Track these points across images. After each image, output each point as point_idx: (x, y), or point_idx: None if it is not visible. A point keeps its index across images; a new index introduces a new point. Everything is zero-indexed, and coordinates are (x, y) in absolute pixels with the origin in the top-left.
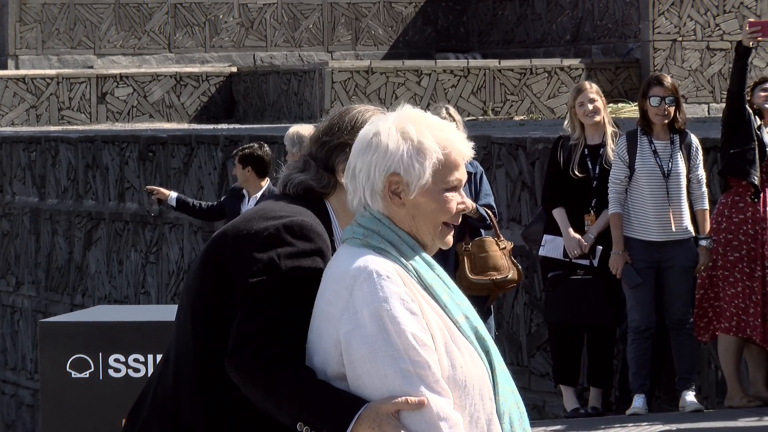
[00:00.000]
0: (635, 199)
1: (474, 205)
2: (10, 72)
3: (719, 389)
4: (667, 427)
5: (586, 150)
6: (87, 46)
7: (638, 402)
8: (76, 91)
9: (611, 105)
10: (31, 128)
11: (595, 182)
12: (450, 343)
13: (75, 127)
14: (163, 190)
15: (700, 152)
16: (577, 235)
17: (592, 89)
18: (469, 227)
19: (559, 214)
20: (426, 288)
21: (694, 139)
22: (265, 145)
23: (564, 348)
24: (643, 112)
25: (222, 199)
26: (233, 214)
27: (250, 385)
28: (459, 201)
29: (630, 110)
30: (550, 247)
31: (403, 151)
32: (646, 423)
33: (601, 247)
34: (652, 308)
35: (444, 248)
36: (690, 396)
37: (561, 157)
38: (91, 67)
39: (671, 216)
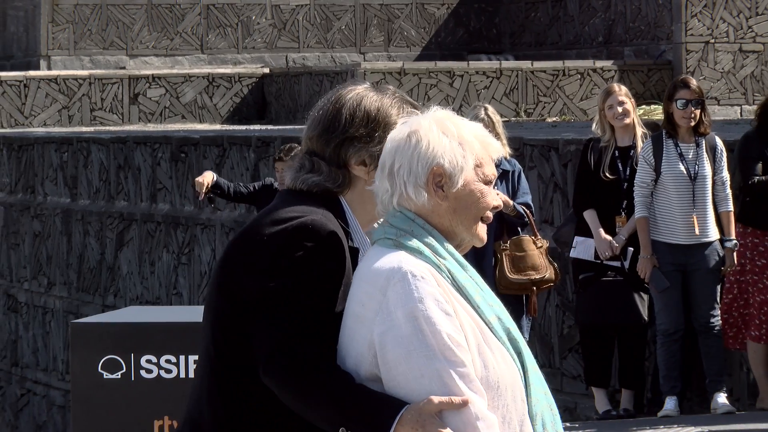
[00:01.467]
0: (661, 202)
1: (511, 202)
2: (43, 73)
3: (751, 391)
4: (698, 429)
5: (616, 152)
6: (119, 47)
7: (670, 404)
8: (108, 91)
9: (644, 107)
10: (63, 129)
11: (625, 184)
12: (483, 345)
13: (107, 128)
14: (203, 180)
15: (725, 154)
16: (608, 237)
17: (621, 91)
18: (507, 226)
19: (590, 216)
20: (458, 289)
21: (719, 142)
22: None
23: (595, 350)
24: (669, 115)
25: (254, 188)
26: None
27: (288, 393)
28: (494, 197)
29: (662, 112)
30: (581, 248)
31: (445, 144)
32: (677, 425)
33: (632, 249)
34: (680, 311)
35: (478, 245)
36: (721, 398)
37: (591, 159)
38: (124, 68)
39: (696, 219)
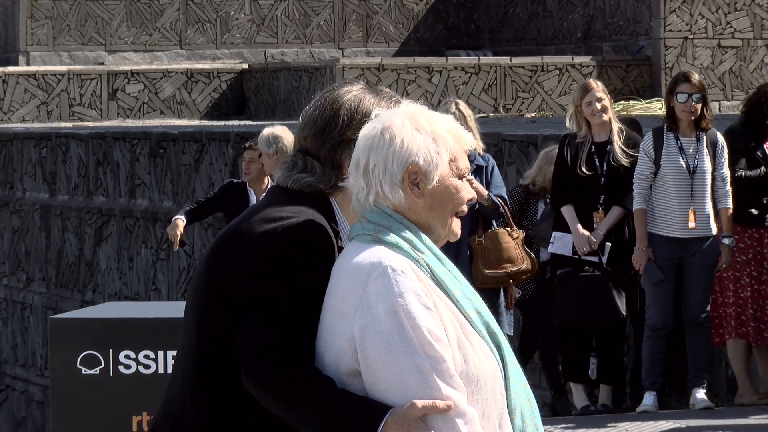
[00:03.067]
0: (660, 195)
1: (486, 192)
2: (21, 68)
3: (729, 387)
4: (677, 425)
5: (593, 147)
6: (98, 43)
7: (649, 399)
8: (86, 87)
9: (622, 102)
10: (41, 124)
11: (602, 179)
12: (462, 338)
13: (86, 123)
14: (177, 232)
15: (726, 150)
16: (586, 232)
17: (599, 88)
18: (483, 220)
19: (567, 212)
20: (438, 283)
21: (720, 137)
22: None
23: (573, 346)
24: (670, 108)
25: (217, 194)
26: (239, 214)
27: (270, 399)
28: (468, 190)
29: (641, 108)
30: (559, 244)
31: (420, 141)
32: (655, 420)
33: (609, 244)
34: (670, 307)
35: (453, 240)
36: (700, 393)
37: (568, 154)
38: (102, 64)
39: (693, 213)
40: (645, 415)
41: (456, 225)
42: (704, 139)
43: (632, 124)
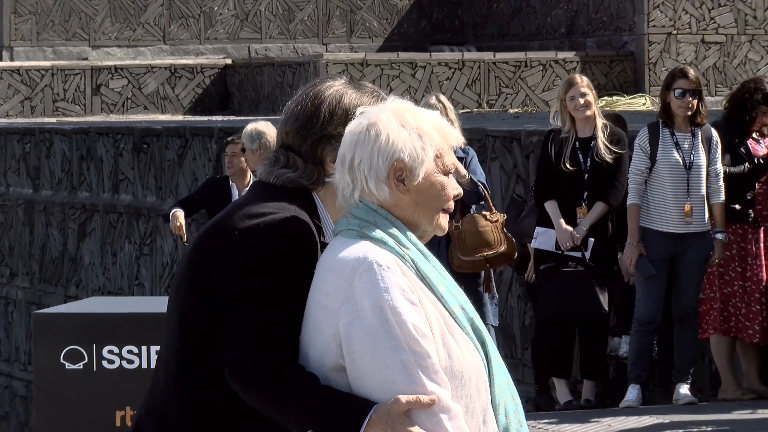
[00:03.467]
0: (655, 190)
1: (464, 170)
2: (5, 63)
3: (713, 382)
4: (660, 420)
5: (577, 143)
6: (82, 38)
7: (632, 393)
8: (70, 82)
9: (606, 98)
10: (25, 120)
11: (586, 175)
12: (447, 334)
13: (69, 118)
14: (179, 224)
15: (720, 146)
16: (570, 228)
17: (583, 83)
18: (462, 206)
19: (551, 207)
20: (423, 278)
21: (714, 133)
22: None
23: (556, 341)
24: (666, 104)
25: (196, 191)
26: (222, 209)
27: (255, 396)
28: (454, 186)
29: (625, 103)
30: (543, 239)
31: (405, 138)
32: (639, 416)
33: (593, 240)
34: (661, 303)
35: (441, 234)
36: (684, 389)
37: (552, 150)
38: (86, 59)
39: (688, 209)
40: (628, 411)
41: (443, 220)
42: (699, 135)
43: (617, 120)
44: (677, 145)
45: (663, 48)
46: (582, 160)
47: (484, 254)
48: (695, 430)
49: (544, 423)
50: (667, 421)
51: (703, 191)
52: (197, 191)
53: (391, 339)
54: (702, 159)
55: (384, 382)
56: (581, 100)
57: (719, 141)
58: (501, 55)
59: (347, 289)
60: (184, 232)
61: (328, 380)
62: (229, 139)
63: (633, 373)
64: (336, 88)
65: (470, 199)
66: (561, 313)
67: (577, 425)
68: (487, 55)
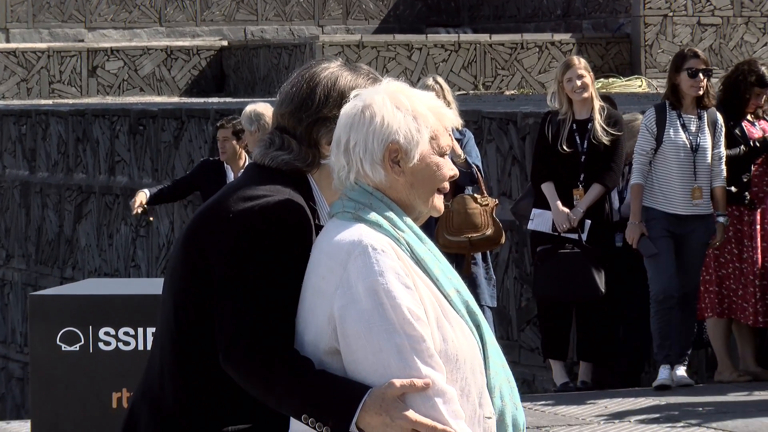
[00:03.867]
0: (661, 172)
1: (460, 149)
2: (1, 45)
3: (709, 365)
4: (656, 402)
5: (574, 125)
6: (78, 20)
7: (664, 373)
8: (66, 64)
9: (602, 80)
10: (21, 102)
11: (583, 157)
12: (441, 318)
13: (65, 100)
14: (136, 199)
15: (723, 130)
16: (566, 209)
17: (581, 65)
18: (454, 186)
19: (547, 189)
20: (417, 262)
21: (719, 117)
22: None
23: (552, 322)
24: (674, 85)
25: (193, 173)
26: (216, 191)
27: (249, 382)
28: (450, 167)
29: (620, 85)
30: (539, 221)
31: (400, 119)
32: (635, 398)
33: (589, 221)
34: (673, 277)
35: (436, 215)
36: (681, 371)
37: (549, 132)
38: (82, 41)
39: (699, 190)
40: (624, 392)
41: (438, 201)
42: (705, 118)
43: (606, 101)
44: (684, 127)
45: (659, 30)
46: (579, 141)
47: (469, 236)
48: (691, 411)
49: (540, 405)
50: (663, 403)
51: (709, 174)
52: (191, 172)
53: (386, 323)
54: (708, 142)
55: (378, 366)
56: (578, 82)
57: (723, 125)
58: (497, 37)
59: (342, 273)
60: (137, 207)
61: (323, 364)
62: (219, 123)
63: (661, 353)
64: (331, 70)
65: (463, 180)
66: (557, 295)
67: (573, 407)
68: (483, 37)
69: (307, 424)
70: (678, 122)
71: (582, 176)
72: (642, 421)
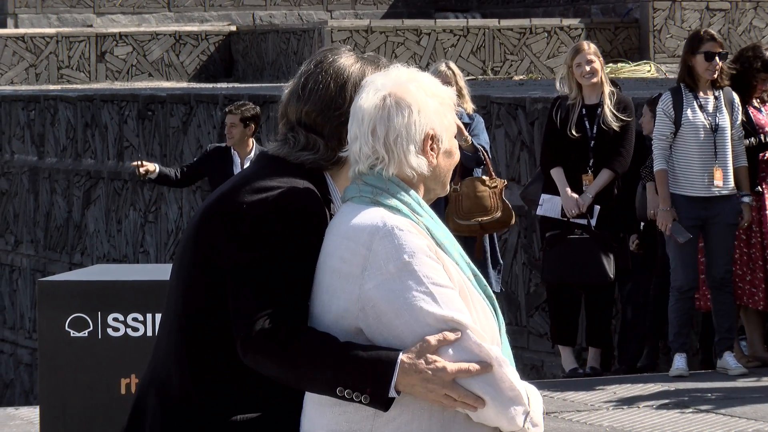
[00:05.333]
0: (681, 154)
1: (467, 133)
2: (9, 31)
3: (717, 350)
4: (665, 388)
5: (583, 110)
6: (86, 5)
7: (680, 362)
8: (75, 50)
9: (610, 65)
10: (30, 87)
11: (592, 142)
12: (467, 298)
13: (74, 86)
14: (148, 165)
15: (740, 109)
16: (575, 195)
17: (590, 50)
18: (462, 169)
19: (556, 174)
20: (438, 245)
21: (735, 96)
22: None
23: (562, 308)
24: (689, 67)
25: (201, 159)
26: (223, 177)
27: (274, 365)
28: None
29: (629, 70)
30: (548, 206)
31: (435, 106)
32: (644, 383)
33: (598, 207)
34: (696, 268)
35: (443, 195)
36: (730, 357)
37: (558, 117)
38: (91, 26)
39: (720, 171)
40: (633, 378)
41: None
42: (722, 97)
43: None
44: (702, 108)
45: (667, 15)
46: (588, 127)
47: (479, 219)
48: (700, 397)
49: (548, 391)
50: (672, 389)
51: (730, 153)
52: (199, 158)
53: (425, 298)
54: (726, 121)
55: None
56: (587, 68)
57: (739, 104)
58: (506, 22)
59: (366, 254)
60: (141, 171)
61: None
62: (227, 109)
63: (677, 342)
64: (356, 66)
65: (470, 162)
66: (566, 280)
67: (582, 393)
68: (492, 22)
69: (344, 397)
70: (695, 103)
71: (591, 161)
72: (651, 407)
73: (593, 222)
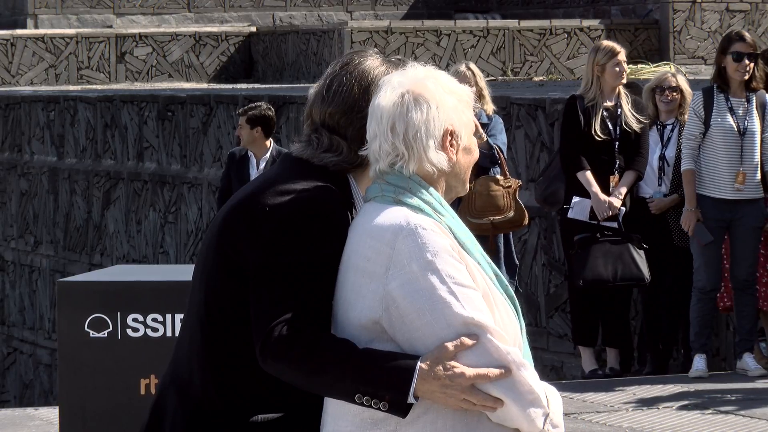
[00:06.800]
0: (708, 156)
1: (483, 133)
2: (29, 31)
3: (736, 351)
4: (685, 389)
5: (604, 111)
6: (106, 6)
7: (699, 363)
8: (95, 50)
9: (631, 66)
10: (50, 87)
11: (617, 143)
12: (489, 297)
13: (94, 86)
14: None
15: None
16: (607, 197)
17: (623, 51)
18: (477, 167)
19: (585, 177)
20: (460, 245)
21: None
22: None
23: (584, 309)
24: (721, 69)
25: (222, 172)
26: (242, 180)
27: (294, 372)
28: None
29: (649, 71)
30: (578, 209)
31: (453, 103)
32: (663, 384)
33: (624, 208)
34: (720, 269)
35: (463, 194)
36: (750, 358)
37: (581, 118)
38: (111, 27)
39: (742, 174)
40: (653, 379)
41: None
42: (754, 100)
43: (637, 89)
44: (732, 111)
45: (687, 16)
46: (611, 128)
47: (491, 218)
48: (720, 399)
49: (568, 392)
50: (692, 390)
51: (757, 158)
52: (224, 171)
53: (448, 298)
54: (756, 125)
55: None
56: (618, 69)
57: None
58: (526, 23)
59: (390, 253)
60: None
61: (369, 342)
62: (239, 111)
63: (697, 342)
64: (380, 69)
65: (483, 160)
66: (603, 278)
67: (601, 394)
68: (512, 23)
69: (362, 403)
70: (725, 105)
71: (617, 163)
72: (671, 408)
73: (621, 223)
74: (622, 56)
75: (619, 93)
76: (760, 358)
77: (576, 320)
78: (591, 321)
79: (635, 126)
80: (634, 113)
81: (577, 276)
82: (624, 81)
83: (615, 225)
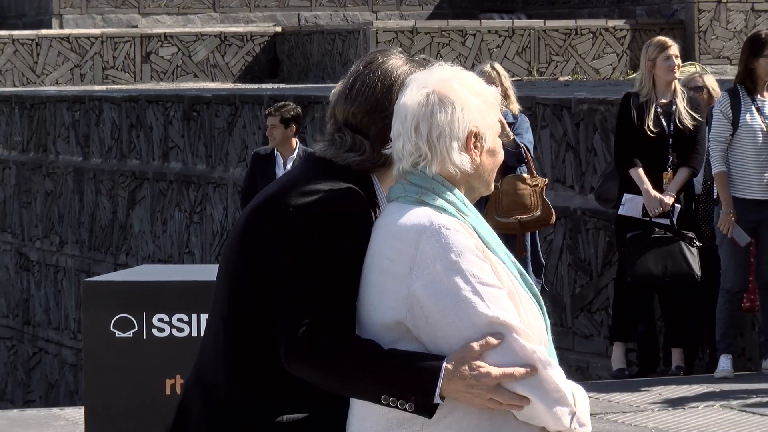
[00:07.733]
0: (737, 156)
1: (509, 129)
2: (55, 31)
3: (761, 352)
4: (711, 389)
5: (658, 108)
6: (131, 6)
7: (725, 363)
8: (120, 50)
9: None
10: (75, 87)
11: (670, 140)
12: (515, 297)
13: (119, 86)
14: None
15: None
16: (658, 194)
17: (675, 46)
18: (503, 166)
19: (637, 174)
20: (485, 244)
21: None
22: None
23: (629, 305)
24: (749, 69)
25: (246, 173)
26: (267, 180)
27: (318, 375)
28: (500, 144)
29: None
30: (630, 206)
31: (478, 104)
32: (690, 385)
33: (678, 206)
34: (747, 270)
35: (487, 194)
36: None
37: (634, 114)
38: (136, 27)
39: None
40: (679, 380)
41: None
42: None
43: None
44: (759, 111)
45: (713, 16)
46: (665, 124)
47: (519, 217)
48: (746, 399)
49: (594, 392)
50: (717, 390)
51: None
52: (247, 172)
53: (473, 298)
54: None
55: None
56: (668, 63)
57: None
58: (551, 23)
59: (414, 254)
60: None
61: (394, 343)
62: (266, 111)
63: (724, 342)
64: (404, 68)
65: (510, 159)
66: (653, 274)
67: (627, 394)
68: (537, 23)
69: (388, 404)
70: (753, 106)
71: (670, 159)
72: (696, 409)
73: (674, 220)
74: (673, 50)
75: (675, 90)
76: None
77: (617, 316)
78: (632, 318)
79: (689, 123)
80: (689, 110)
81: (627, 272)
82: (677, 76)
83: (668, 222)
